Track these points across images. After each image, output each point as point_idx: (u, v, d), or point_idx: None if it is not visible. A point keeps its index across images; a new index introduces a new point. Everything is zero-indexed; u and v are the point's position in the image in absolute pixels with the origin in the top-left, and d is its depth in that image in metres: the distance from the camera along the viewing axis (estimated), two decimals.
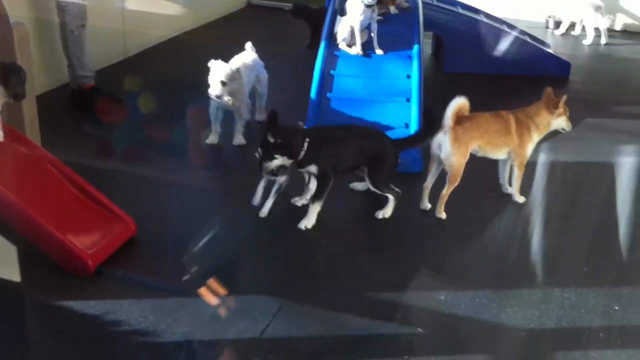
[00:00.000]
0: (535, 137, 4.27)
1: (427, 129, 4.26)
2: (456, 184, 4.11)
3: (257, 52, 5.34)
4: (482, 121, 4.16)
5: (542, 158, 4.61)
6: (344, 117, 4.83)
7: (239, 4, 9.18)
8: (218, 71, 4.69)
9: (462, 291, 3.49)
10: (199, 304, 3.31)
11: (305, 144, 3.93)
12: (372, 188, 4.13)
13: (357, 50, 5.52)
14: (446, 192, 4.13)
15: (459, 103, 4.00)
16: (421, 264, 3.77)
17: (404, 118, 4.80)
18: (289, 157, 3.94)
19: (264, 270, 3.67)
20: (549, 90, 4.30)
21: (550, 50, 7.07)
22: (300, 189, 4.28)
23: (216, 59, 4.77)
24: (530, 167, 4.29)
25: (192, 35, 7.83)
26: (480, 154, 4.20)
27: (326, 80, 5.19)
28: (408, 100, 4.95)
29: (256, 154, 3.98)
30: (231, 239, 3.94)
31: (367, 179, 4.14)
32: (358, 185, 4.39)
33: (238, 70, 4.81)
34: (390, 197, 4.14)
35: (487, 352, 3.10)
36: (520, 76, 6.43)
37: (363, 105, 4.90)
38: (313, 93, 5.03)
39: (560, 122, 4.30)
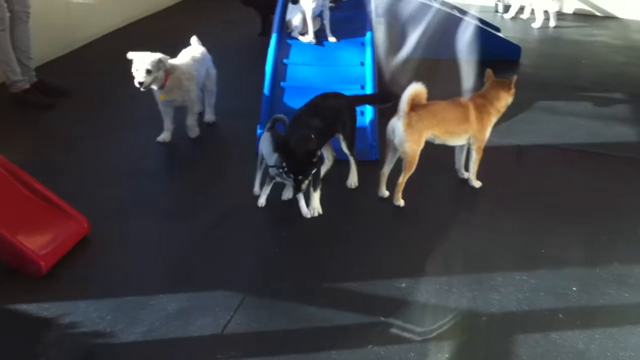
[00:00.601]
0: (494, 120, 4.31)
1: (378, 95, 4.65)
2: (412, 170, 4.10)
3: (207, 40, 5.25)
4: (439, 109, 4.15)
5: (496, 142, 4.63)
6: (298, 106, 4.78)
7: None
8: (141, 61, 4.54)
9: (423, 278, 3.50)
10: (157, 302, 3.24)
11: (314, 139, 3.91)
12: (346, 150, 4.25)
13: (309, 38, 5.48)
14: (403, 179, 4.12)
15: (416, 89, 3.98)
16: (381, 252, 3.75)
17: (359, 105, 4.77)
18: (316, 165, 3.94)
19: (223, 265, 3.60)
20: (489, 71, 4.37)
21: (500, 34, 7.12)
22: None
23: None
24: (484, 152, 4.31)
25: (140, 26, 7.69)
26: (437, 141, 4.19)
27: (279, 69, 5.14)
28: (362, 87, 4.94)
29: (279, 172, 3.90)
30: (188, 232, 3.87)
31: (343, 142, 4.23)
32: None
33: (161, 60, 4.60)
34: (352, 160, 4.27)
35: (450, 338, 3.10)
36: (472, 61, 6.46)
37: (318, 94, 4.86)
38: (266, 83, 4.97)
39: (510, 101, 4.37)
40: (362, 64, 5.16)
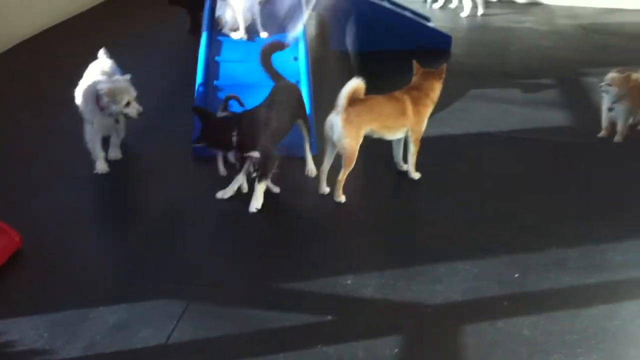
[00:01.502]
0: (430, 111, 4.32)
1: None
2: (352, 166, 4.07)
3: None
4: (375, 104, 4.13)
5: (433, 132, 4.65)
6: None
7: None
8: (127, 91, 4.24)
9: (368, 273, 3.48)
10: (97, 315, 3.14)
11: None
12: (306, 134, 4.37)
13: (241, 34, 5.41)
14: (342, 175, 4.09)
15: (355, 85, 3.95)
16: (325, 250, 3.72)
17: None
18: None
19: (163, 273, 3.51)
20: (415, 63, 4.37)
21: (431, 24, 7.18)
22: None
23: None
24: (421, 143, 4.32)
25: (68, 26, 7.44)
26: (375, 136, 4.18)
27: (212, 67, 5.05)
28: (297, 82, 4.89)
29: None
30: (125, 241, 3.77)
31: (303, 127, 4.33)
32: None
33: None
34: (309, 147, 4.39)
35: (397, 332, 3.09)
36: (403, 52, 6.47)
37: (252, 91, 4.77)
38: (198, 82, 4.88)
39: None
40: (296, 59, 5.12)
